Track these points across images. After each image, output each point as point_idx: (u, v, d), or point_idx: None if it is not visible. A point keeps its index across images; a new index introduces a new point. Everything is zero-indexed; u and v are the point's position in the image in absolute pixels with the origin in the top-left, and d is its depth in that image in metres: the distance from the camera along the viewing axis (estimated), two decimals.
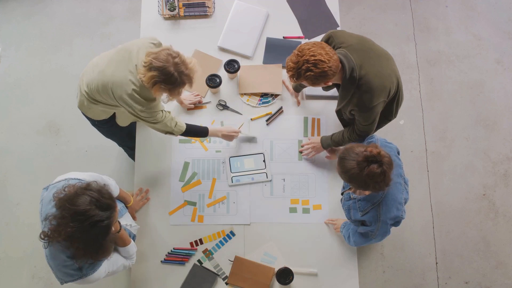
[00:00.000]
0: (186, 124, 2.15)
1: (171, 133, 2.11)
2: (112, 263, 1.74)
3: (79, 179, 1.67)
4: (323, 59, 1.77)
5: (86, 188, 1.49)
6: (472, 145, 3.19)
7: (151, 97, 1.94)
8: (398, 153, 1.96)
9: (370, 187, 1.64)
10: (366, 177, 1.58)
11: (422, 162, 3.14)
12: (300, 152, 2.37)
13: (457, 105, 3.28)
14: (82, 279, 1.60)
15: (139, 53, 1.90)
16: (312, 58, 1.77)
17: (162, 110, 2.03)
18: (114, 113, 2.26)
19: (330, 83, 1.89)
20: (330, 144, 2.24)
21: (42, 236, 1.51)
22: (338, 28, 2.58)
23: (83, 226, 1.42)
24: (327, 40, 2.03)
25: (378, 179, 1.59)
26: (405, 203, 1.87)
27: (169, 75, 1.79)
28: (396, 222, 1.84)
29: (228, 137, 2.30)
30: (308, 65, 1.78)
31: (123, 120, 2.31)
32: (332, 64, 1.80)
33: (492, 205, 3.08)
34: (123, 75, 1.89)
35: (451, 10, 3.50)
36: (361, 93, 1.91)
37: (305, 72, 1.80)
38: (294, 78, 1.87)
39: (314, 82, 1.84)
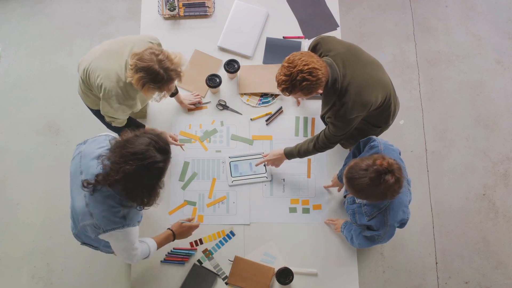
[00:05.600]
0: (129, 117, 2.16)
1: (110, 123, 2.11)
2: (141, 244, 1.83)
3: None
4: (316, 66, 1.76)
5: (145, 132, 1.56)
6: (472, 145, 3.19)
7: (131, 96, 1.96)
8: (399, 154, 1.96)
9: (388, 197, 1.63)
10: (384, 190, 1.58)
11: (422, 162, 3.14)
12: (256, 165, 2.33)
13: (457, 105, 3.28)
14: (124, 228, 1.63)
15: (133, 49, 1.91)
16: (306, 67, 1.75)
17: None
18: None
19: (320, 91, 1.88)
20: (295, 156, 2.17)
21: (85, 184, 1.56)
22: (338, 28, 2.58)
23: (142, 165, 1.47)
24: (315, 46, 2.00)
25: (395, 187, 1.59)
26: (409, 203, 1.87)
27: (155, 73, 1.79)
28: (402, 224, 1.83)
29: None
30: (303, 74, 1.75)
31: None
32: (324, 71, 1.79)
33: (492, 205, 3.08)
34: (111, 67, 1.90)
35: (451, 10, 3.50)
36: (341, 105, 1.88)
37: (300, 82, 1.77)
38: (288, 92, 1.83)
39: (309, 91, 1.81)
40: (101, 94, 1.95)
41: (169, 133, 2.33)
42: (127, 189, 1.53)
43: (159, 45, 2.03)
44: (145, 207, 1.64)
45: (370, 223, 1.83)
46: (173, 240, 1.98)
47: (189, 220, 2.04)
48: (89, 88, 2.08)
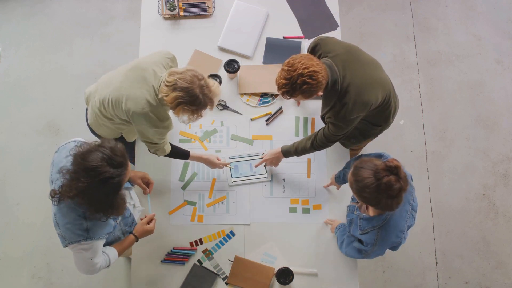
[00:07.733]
0: (171, 145, 2.14)
1: (155, 153, 2.10)
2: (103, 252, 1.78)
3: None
4: (316, 69, 1.76)
5: (100, 145, 1.51)
6: (472, 145, 3.19)
7: (166, 117, 1.94)
8: (411, 179, 1.85)
9: (382, 203, 1.55)
10: (382, 190, 1.51)
11: (422, 162, 3.14)
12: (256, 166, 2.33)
13: (457, 105, 3.28)
14: (86, 241, 1.61)
15: (156, 73, 1.88)
16: (306, 70, 1.74)
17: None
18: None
19: (320, 93, 1.88)
20: (292, 154, 2.17)
21: (53, 194, 1.55)
22: (338, 28, 2.58)
23: (94, 182, 1.44)
24: (314, 47, 2.00)
25: (394, 193, 1.51)
26: (409, 228, 1.81)
27: (194, 97, 1.77)
28: (394, 247, 1.81)
29: (211, 164, 2.27)
30: (304, 78, 1.75)
31: (130, 137, 2.31)
32: (324, 74, 1.79)
33: (492, 205, 3.08)
34: (139, 94, 1.86)
35: (451, 10, 3.50)
36: (341, 105, 1.89)
37: (301, 86, 1.76)
38: (288, 95, 1.82)
39: (309, 94, 1.81)
40: (135, 124, 1.92)
41: (216, 156, 2.29)
42: (85, 203, 1.50)
43: (174, 58, 2.02)
44: (111, 217, 1.62)
45: (361, 238, 1.81)
46: (137, 241, 1.96)
47: (150, 219, 1.99)
48: (108, 118, 2.02)
